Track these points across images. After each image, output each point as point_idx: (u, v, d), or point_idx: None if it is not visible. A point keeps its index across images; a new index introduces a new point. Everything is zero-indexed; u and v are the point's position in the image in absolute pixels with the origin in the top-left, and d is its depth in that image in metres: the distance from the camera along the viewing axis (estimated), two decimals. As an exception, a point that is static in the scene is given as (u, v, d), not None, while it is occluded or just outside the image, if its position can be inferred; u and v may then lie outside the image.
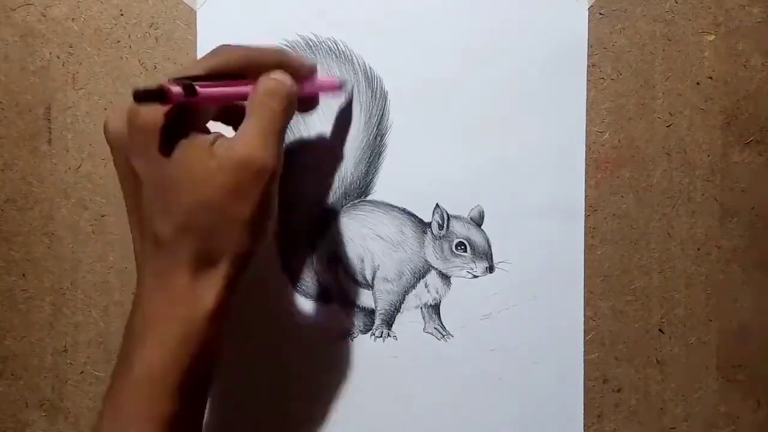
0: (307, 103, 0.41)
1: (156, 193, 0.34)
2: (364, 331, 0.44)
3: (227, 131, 0.37)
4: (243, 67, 0.36)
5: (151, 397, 0.33)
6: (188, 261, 0.33)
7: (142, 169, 0.34)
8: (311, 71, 0.39)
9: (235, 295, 0.35)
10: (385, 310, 0.44)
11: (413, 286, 0.44)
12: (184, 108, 0.34)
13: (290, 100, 0.35)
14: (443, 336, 0.44)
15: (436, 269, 0.44)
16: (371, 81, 0.43)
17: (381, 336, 0.44)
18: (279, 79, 0.35)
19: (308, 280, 0.44)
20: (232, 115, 0.38)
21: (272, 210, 0.36)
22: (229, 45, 0.37)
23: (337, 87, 0.42)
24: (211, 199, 0.33)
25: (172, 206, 0.33)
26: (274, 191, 0.35)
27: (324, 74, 0.43)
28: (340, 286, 0.44)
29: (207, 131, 0.36)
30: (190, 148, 0.33)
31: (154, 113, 0.33)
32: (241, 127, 0.34)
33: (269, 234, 0.36)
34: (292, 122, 0.43)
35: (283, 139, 0.36)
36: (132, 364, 0.33)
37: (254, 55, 0.36)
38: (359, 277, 0.44)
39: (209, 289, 0.34)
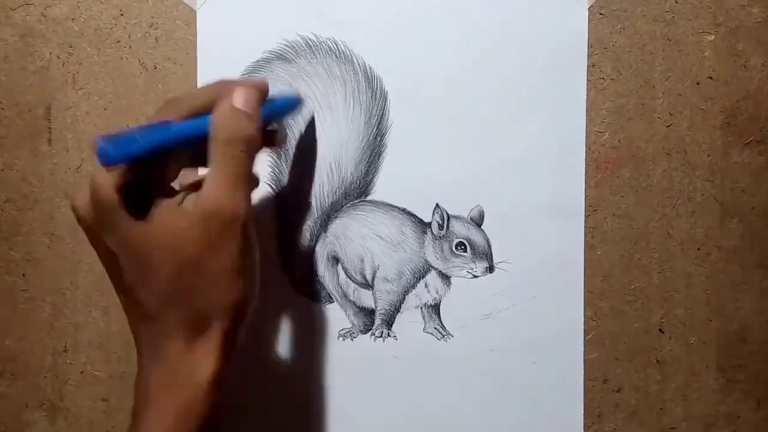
0: (272, 138, 0.39)
1: (134, 266, 0.33)
2: (364, 331, 0.44)
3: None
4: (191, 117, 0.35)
5: None
6: (180, 329, 0.33)
7: (116, 245, 0.33)
8: (262, 90, 0.37)
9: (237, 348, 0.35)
10: (385, 310, 0.44)
11: (413, 286, 0.44)
12: (143, 173, 0.33)
13: (250, 141, 0.34)
14: (443, 336, 0.44)
15: (436, 269, 0.44)
16: (371, 81, 0.43)
17: (381, 336, 0.44)
18: (233, 124, 0.34)
19: (308, 280, 0.44)
20: (199, 155, 0.37)
21: (253, 256, 0.35)
22: (172, 98, 0.36)
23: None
24: (189, 259, 0.32)
25: (152, 277, 0.32)
26: (251, 236, 0.35)
27: (319, 77, 0.43)
28: (340, 286, 0.44)
29: (172, 191, 0.35)
30: (158, 214, 0.33)
31: (114, 189, 0.33)
32: (206, 178, 0.34)
33: (257, 280, 0.35)
34: (292, 122, 0.43)
35: (250, 181, 0.35)
36: (138, 428, 0.33)
37: (203, 98, 0.35)
38: (359, 277, 0.44)
39: (206, 355, 0.33)
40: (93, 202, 0.33)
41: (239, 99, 0.34)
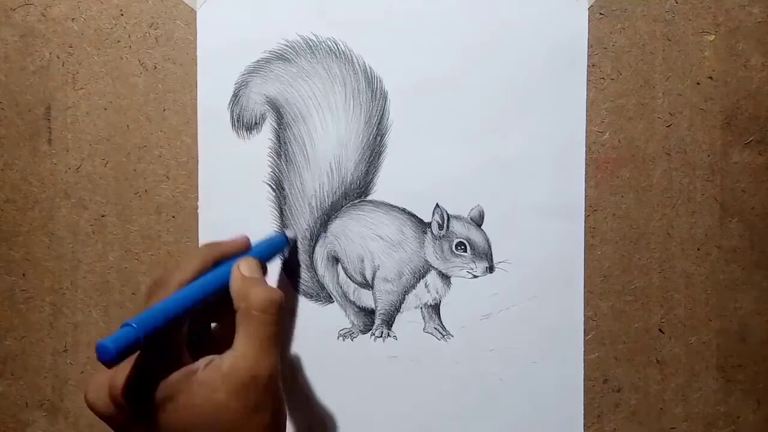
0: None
1: None
2: (364, 331, 0.44)
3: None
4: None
5: None
6: None
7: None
8: (245, 245, 0.39)
9: None
10: (385, 310, 0.44)
11: (413, 286, 0.44)
12: (156, 355, 0.33)
13: (282, 306, 0.35)
14: (443, 336, 0.44)
15: (436, 269, 0.44)
16: (371, 81, 0.43)
17: (381, 336, 0.44)
18: (266, 293, 0.35)
19: (308, 280, 0.44)
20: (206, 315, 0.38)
21: (284, 407, 0.37)
22: (158, 280, 0.36)
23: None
24: (235, 425, 0.33)
25: None
26: (281, 390, 0.36)
27: (319, 77, 0.43)
28: (340, 286, 0.44)
29: (189, 359, 0.35)
30: (191, 393, 0.33)
31: (135, 382, 0.33)
32: (237, 342, 0.34)
33: (285, 426, 0.37)
34: (292, 122, 0.43)
35: (280, 340, 0.36)
36: None
37: (188, 271, 0.36)
38: (359, 277, 0.44)
39: None
40: (115, 398, 0.33)
41: (246, 269, 0.37)
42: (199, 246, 0.38)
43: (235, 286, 0.36)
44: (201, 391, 0.33)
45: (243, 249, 0.39)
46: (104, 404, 0.34)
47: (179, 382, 0.33)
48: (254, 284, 0.36)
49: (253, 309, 0.35)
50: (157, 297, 0.35)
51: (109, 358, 0.31)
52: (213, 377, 0.33)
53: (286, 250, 0.43)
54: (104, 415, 0.34)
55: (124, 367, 0.33)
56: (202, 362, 0.34)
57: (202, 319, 0.39)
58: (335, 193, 0.44)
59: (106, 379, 0.34)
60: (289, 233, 0.43)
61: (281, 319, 0.36)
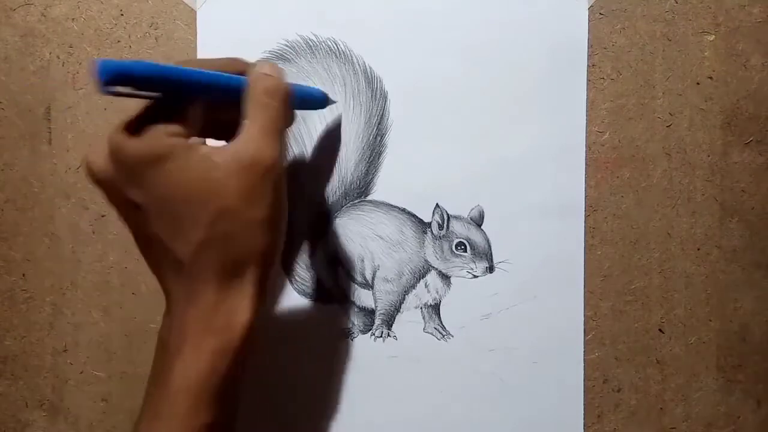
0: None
1: (166, 217, 0.33)
2: (364, 331, 0.44)
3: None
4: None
5: (189, 408, 0.32)
6: (216, 275, 0.33)
7: (142, 198, 0.33)
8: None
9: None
10: (385, 310, 0.44)
11: (413, 286, 0.44)
12: (170, 120, 0.33)
13: (289, 96, 0.35)
14: (443, 336, 0.44)
15: (436, 269, 0.44)
16: (371, 81, 0.43)
17: (381, 336, 0.44)
18: (275, 76, 0.35)
19: (308, 280, 0.44)
20: (218, 126, 0.37)
21: (285, 205, 0.36)
22: (186, 60, 0.36)
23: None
24: (228, 207, 0.32)
25: (187, 224, 0.32)
26: (282, 186, 0.35)
27: (319, 77, 0.43)
28: (340, 286, 0.44)
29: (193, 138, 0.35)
30: (189, 162, 0.32)
31: (139, 142, 0.32)
32: (243, 128, 0.34)
33: (284, 230, 0.37)
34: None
35: (285, 133, 0.36)
36: (169, 376, 0.33)
37: (223, 63, 0.36)
38: (359, 277, 0.44)
39: (242, 300, 0.33)
40: (117, 157, 0.33)
41: (265, 67, 0.36)
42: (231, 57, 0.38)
43: (252, 70, 0.36)
44: (199, 164, 0.32)
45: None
46: (103, 162, 0.33)
47: (181, 148, 0.32)
48: (266, 76, 0.35)
49: (261, 94, 0.34)
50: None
51: (104, 77, 0.30)
52: (214, 153, 0.33)
53: (322, 107, 0.42)
54: (97, 174, 0.34)
55: (131, 125, 0.33)
56: (212, 142, 0.34)
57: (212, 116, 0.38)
58: (335, 193, 0.44)
59: (108, 144, 0.33)
60: (333, 97, 0.42)
61: (287, 111, 0.36)
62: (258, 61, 0.37)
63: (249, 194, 0.33)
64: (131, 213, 0.34)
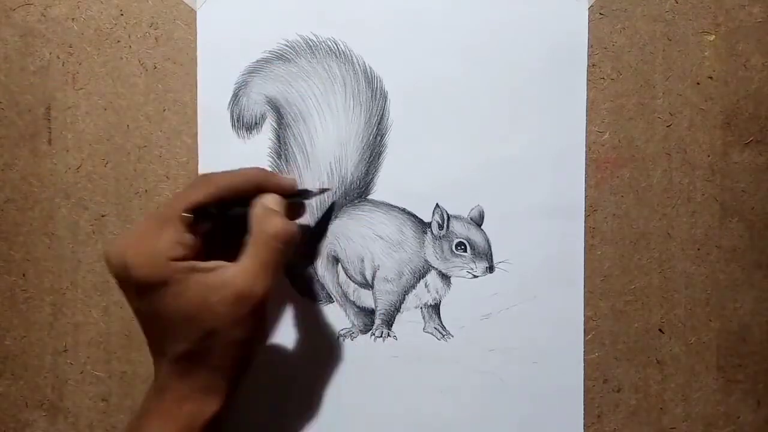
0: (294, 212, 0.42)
1: (165, 323, 0.36)
2: (364, 331, 0.44)
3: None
4: (228, 197, 0.38)
5: None
6: (197, 372, 0.36)
7: (143, 308, 0.37)
8: (292, 188, 0.41)
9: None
10: (385, 310, 0.44)
11: (413, 286, 0.44)
12: (173, 236, 0.36)
13: (293, 241, 0.38)
14: (443, 336, 0.44)
15: (436, 269, 0.44)
16: (371, 81, 0.43)
17: (381, 336, 0.44)
18: (284, 223, 0.37)
19: (308, 280, 0.44)
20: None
21: (265, 323, 0.40)
22: (206, 175, 0.39)
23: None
24: (216, 328, 0.36)
25: (179, 337, 0.36)
26: (266, 310, 0.38)
27: (319, 77, 0.43)
28: (340, 286, 0.44)
29: (199, 256, 0.37)
30: (189, 286, 0.35)
31: (142, 270, 0.35)
32: (243, 261, 0.37)
33: (264, 340, 0.42)
34: (292, 122, 0.43)
35: (281, 270, 0.39)
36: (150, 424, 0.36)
37: (237, 182, 0.38)
38: (359, 277, 0.44)
39: (214, 394, 0.37)
40: (120, 276, 0.36)
41: (270, 201, 0.39)
42: (256, 170, 0.40)
43: (255, 211, 0.38)
44: (197, 288, 0.36)
45: (287, 189, 0.40)
46: (116, 261, 0.36)
47: (182, 272, 0.36)
48: (274, 214, 0.38)
49: (267, 235, 0.37)
50: (197, 194, 0.37)
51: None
52: (212, 280, 0.36)
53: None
54: (112, 271, 0.37)
55: (144, 261, 0.36)
56: (211, 264, 0.36)
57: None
58: (335, 193, 0.44)
59: (113, 261, 0.36)
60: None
61: (288, 252, 0.38)
62: (261, 196, 0.39)
63: (236, 319, 0.36)
64: (142, 309, 0.37)
